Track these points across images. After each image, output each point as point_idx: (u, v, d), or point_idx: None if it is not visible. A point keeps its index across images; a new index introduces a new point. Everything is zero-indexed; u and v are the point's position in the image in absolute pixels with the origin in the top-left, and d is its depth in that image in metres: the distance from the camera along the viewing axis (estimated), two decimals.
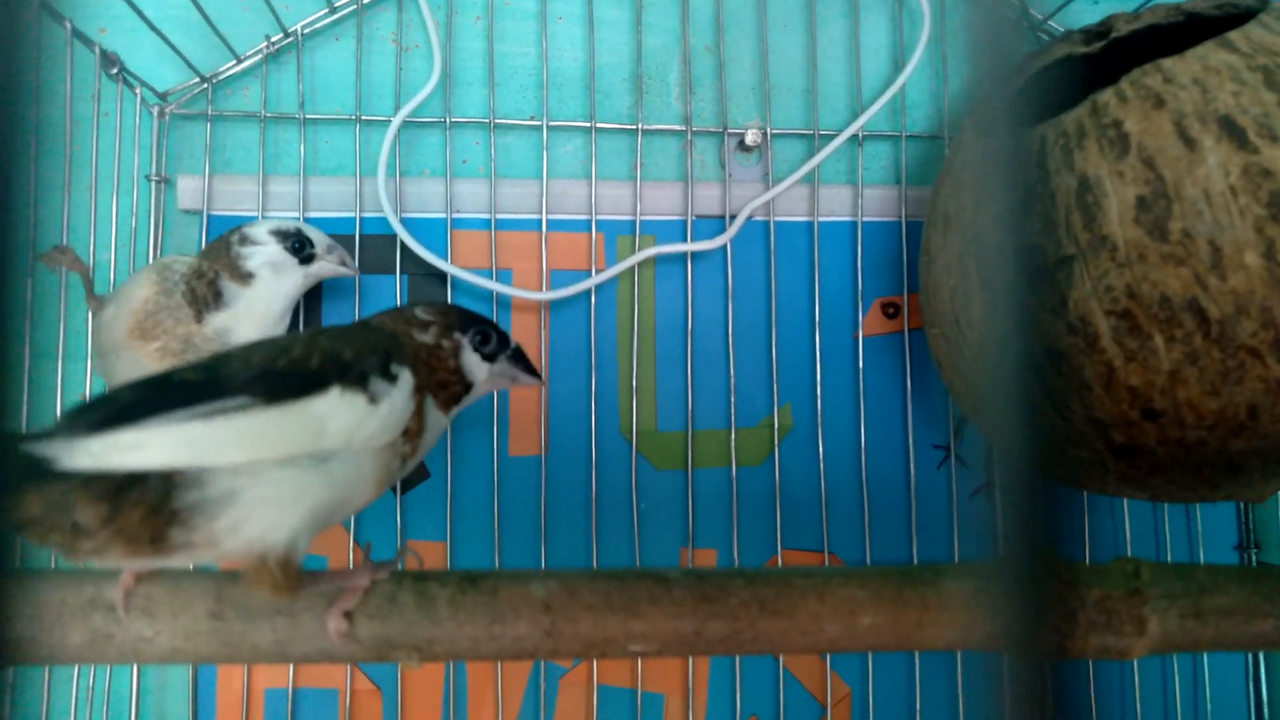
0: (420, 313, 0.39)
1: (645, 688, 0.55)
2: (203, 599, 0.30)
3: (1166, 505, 0.60)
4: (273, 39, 0.57)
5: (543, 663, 0.54)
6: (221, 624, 0.30)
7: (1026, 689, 0.17)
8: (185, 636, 0.30)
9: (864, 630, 0.31)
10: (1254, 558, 0.59)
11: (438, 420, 0.37)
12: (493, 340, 0.40)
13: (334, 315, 0.56)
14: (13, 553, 0.27)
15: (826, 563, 0.56)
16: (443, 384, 0.37)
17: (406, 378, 0.35)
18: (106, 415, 0.28)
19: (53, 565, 0.52)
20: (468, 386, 0.39)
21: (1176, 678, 0.58)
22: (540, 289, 0.57)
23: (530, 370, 0.41)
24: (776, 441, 0.58)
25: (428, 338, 0.38)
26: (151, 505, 0.28)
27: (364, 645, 0.31)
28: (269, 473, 0.29)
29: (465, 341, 0.39)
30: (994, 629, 0.17)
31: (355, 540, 0.54)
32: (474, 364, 0.39)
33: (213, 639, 0.30)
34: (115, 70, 0.53)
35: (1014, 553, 0.17)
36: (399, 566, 0.34)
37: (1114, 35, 0.52)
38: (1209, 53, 0.40)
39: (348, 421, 0.31)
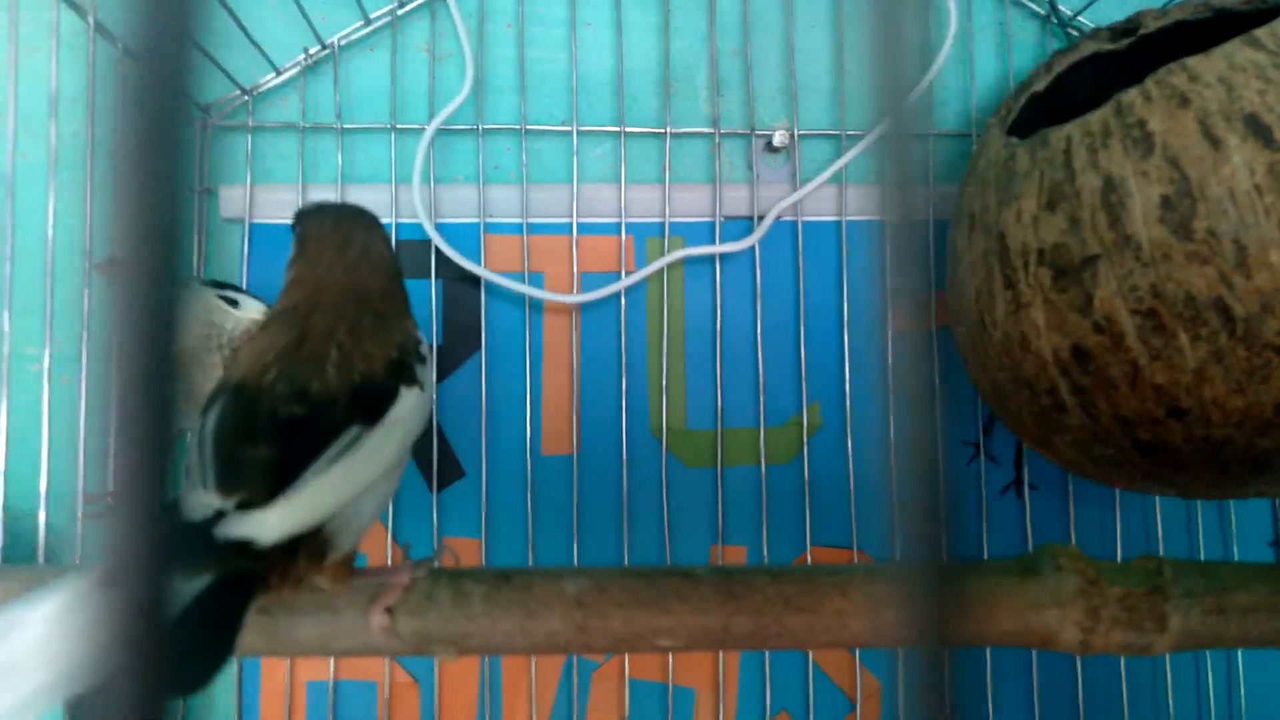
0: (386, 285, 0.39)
1: (676, 682, 0.56)
2: None
3: (1199, 502, 0.60)
4: (310, 51, 0.58)
5: (575, 657, 0.56)
6: (268, 619, 0.31)
7: (928, 679, 0.18)
8: None
9: (889, 626, 0.32)
10: None
11: None
12: None
13: None
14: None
15: (855, 559, 0.57)
16: None
17: (426, 347, 0.37)
18: (267, 481, 0.28)
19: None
20: None
21: (1210, 673, 0.58)
22: (571, 291, 0.58)
23: None
24: (806, 439, 0.58)
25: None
26: (317, 547, 0.30)
27: (403, 640, 0.32)
28: (375, 487, 0.31)
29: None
30: (899, 623, 0.18)
31: (394, 538, 0.56)
32: None
33: (257, 632, 0.31)
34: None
35: (915, 551, 0.18)
36: (436, 564, 0.36)
37: (1142, 32, 0.52)
38: (1235, 50, 0.40)
39: (417, 418, 0.33)
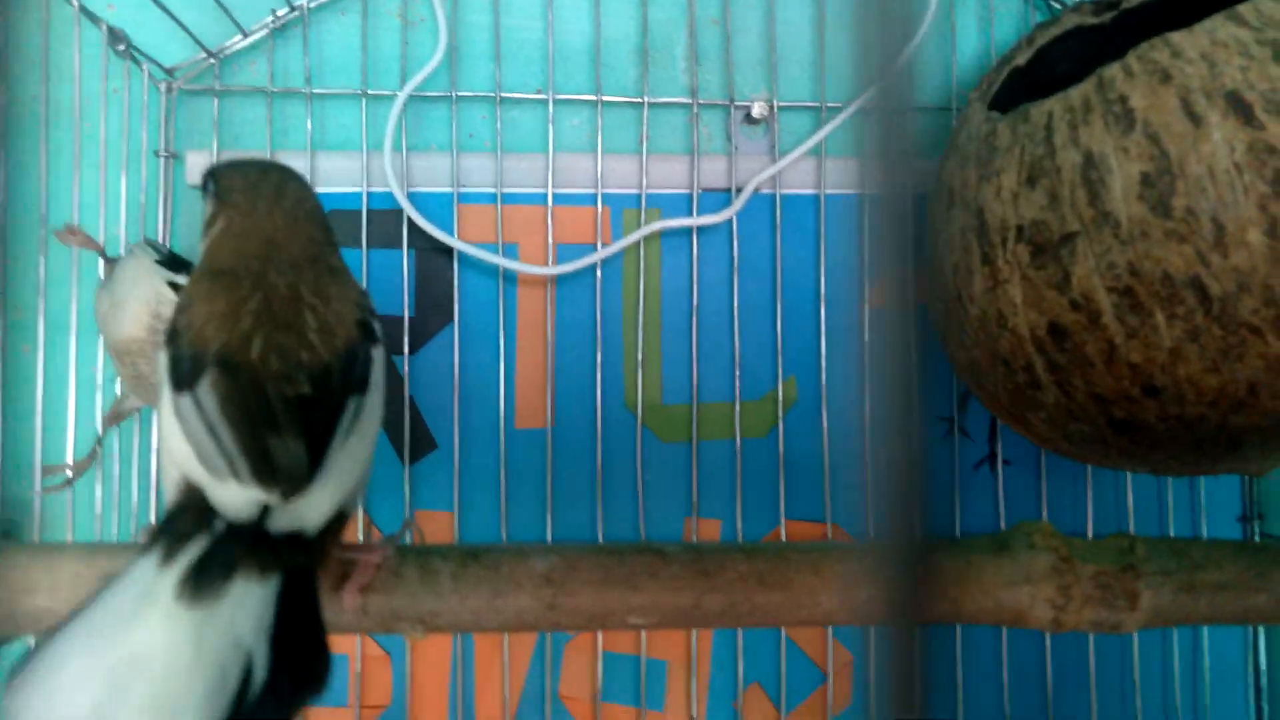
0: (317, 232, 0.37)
1: (649, 655, 0.56)
2: None
3: (1170, 477, 0.60)
4: (279, 14, 0.57)
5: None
6: None
7: (898, 655, 0.18)
8: None
9: (861, 604, 0.32)
10: (1257, 529, 0.59)
11: None
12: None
13: None
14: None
15: (829, 534, 0.57)
16: None
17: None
18: (303, 468, 0.28)
19: (69, 539, 0.53)
20: None
21: (1176, 649, 0.59)
22: (546, 263, 0.57)
23: None
24: (781, 414, 0.58)
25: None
26: (337, 526, 0.29)
27: (370, 617, 0.31)
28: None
29: None
30: (874, 600, 0.18)
31: (365, 511, 0.55)
32: None
33: None
34: (123, 47, 0.53)
35: (889, 527, 0.18)
36: (407, 538, 0.35)
37: (1124, 6, 0.51)
38: (1217, 26, 0.40)
39: (386, 377, 0.33)
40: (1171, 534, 0.59)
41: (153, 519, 0.54)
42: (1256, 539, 0.59)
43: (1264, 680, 0.59)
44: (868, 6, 0.18)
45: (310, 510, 0.28)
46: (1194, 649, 0.59)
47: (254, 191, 0.35)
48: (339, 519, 0.29)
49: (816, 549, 0.32)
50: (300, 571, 0.27)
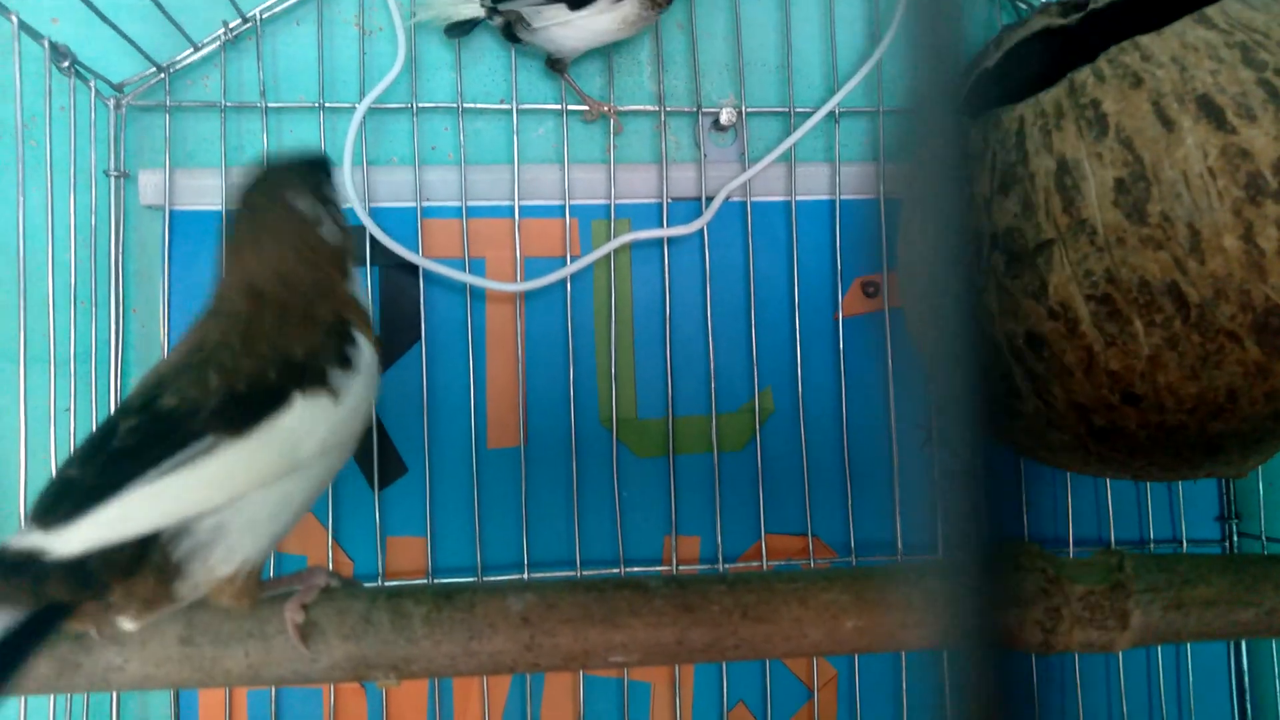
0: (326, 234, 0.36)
1: (632, 676, 0.55)
2: (172, 625, 0.30)
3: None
4: (230, 25, 0.55)
5: None
6: (193, 649, 0.29)
7: (978, 684, 0.16)
8: (156, 663, 0.29)
9: (847, 634, 0.31)
10: (1235, 528, 0.59)
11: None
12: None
13: None
14: None
15: (810, 546, 0.56)
16: None
17: (365, 347, 0.34)
18: (81, 497, 0.27)
19: None
20: None
21: (1160, 666, 0.58)
22: (515, 277, 0.56)
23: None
24: (758, 426, 0.57)
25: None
26: (158, 566, 0.28)
27: (340, 666, 0.30)
28: (251, 498, 0.29)
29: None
30: (942, 623, 0.16)
31: (334, 538, 0.54)
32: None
33: (184, 665, 0.29)
34: (67, 64, 0.51)
35: (962, 543, 0.17)
36: (331, 583, 0.33)
37: (1092, 7, 0.51)
38: (1187, 29, 0.40)
39: (318, 428, 0.31)
40: (1152, 535, 0.59)
41: None
42: (1235, 539, 0.59)
43: (1248, 688, 0.59)
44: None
45: (65, 536, 0.27)
46: (1178, 659, 0.59)
47: (237, 220, 0.35)
48: (158, 558, 0.28)
49: (803, 578, 0.31)
50: (40, 613, 0.26)
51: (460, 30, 0.55)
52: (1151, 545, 0.59)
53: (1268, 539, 0.57)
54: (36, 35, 0.50)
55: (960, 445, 0.16)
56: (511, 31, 0.53)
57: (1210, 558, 0.34)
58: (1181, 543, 0.59)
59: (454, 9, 0.53)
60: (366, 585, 0.33)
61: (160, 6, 0.50)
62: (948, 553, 0.16)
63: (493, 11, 0.53)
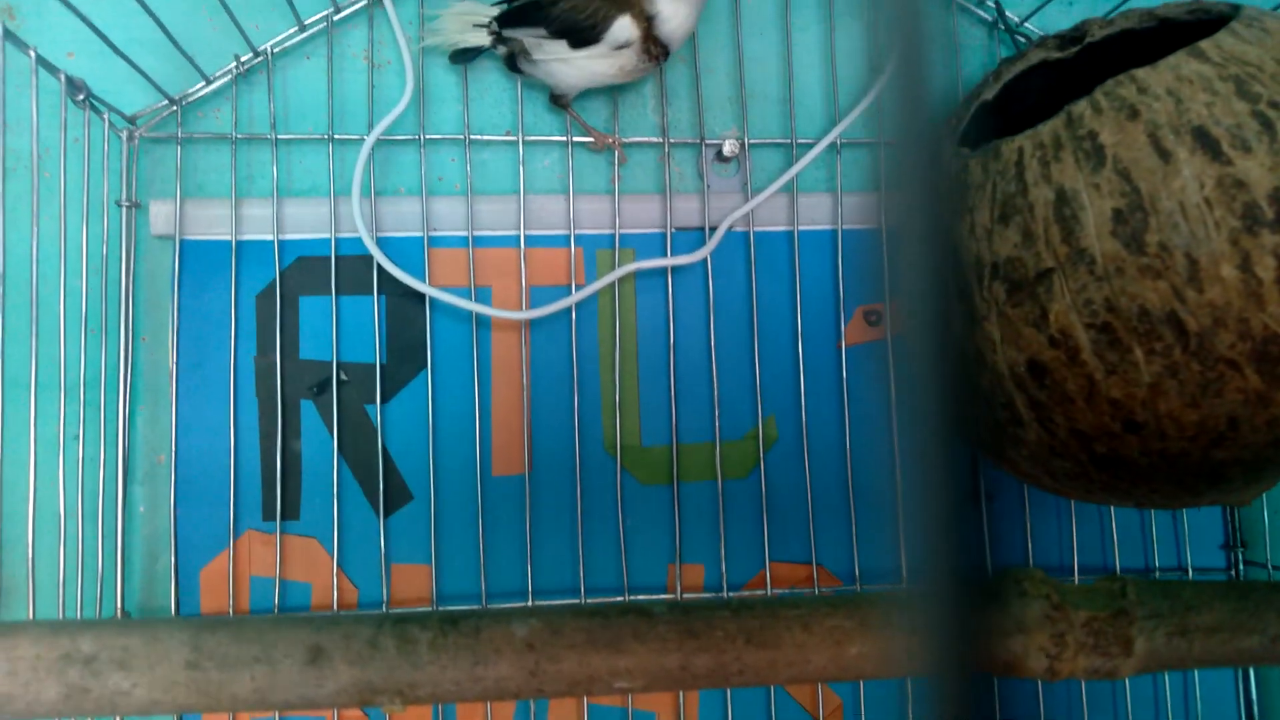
0: None
1: (636, 706, 0.55)
2: (179, 650, 0.30)
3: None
4: (242, 59, 0.56)
5: None
6: (199, 674, 0.30)
7: (955, 710, 0.16)
8: (163, 688, 0.29)
9: (851, 659, 0.31)
10: (1240, 556, 0.59)
11: None
12: None
13: (311, 337, 0.56)
14: None
15: (815, 575, 0.56)
16: None
17: None
18: None
19: (30, 616, 0.51)
20: None
21: (1168, 696, 0.58)
22: (520, 305, 0.57)
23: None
24: (762, 453, 0.57)
25: None
26: None
27: (346, 691, 0.30)
28: None
29: None
30: (919, 650, 0.16)
31: (339, 565, 0.54)
32: None
33: (191, 690, 0.30)
34: (82, 97, 0.52)
35: (934, 571, 0.17)
36: None
37: (1089, 40, 0.52)
38: (1181, 62, 0.40)
39: None
40: (1156, 563, 0.59)
41: (119, 594, 0.52)
42: (1240, 567, 0.59)
43: (1256, 713, 0.58)
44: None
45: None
46: (1185, 691, 0.58)
47: None
48: None
49: (806, 603, 0.32)
50: None
51: (465, 57, 0.56)
52: (1157, 573, 0.59)
53: (1274, 567, 0.57)
54: (53, 69, 0.51)
55: (930, 479, 0.16)
56: (514, 63, 0.54)
57: (1214, 584, 0.34)
58: (1187, 571, 0.59)
59: (460, 36, 0.54)
60: (372, 612, 0.33)
61: (174, 40, 0.51)
62: (913, 581, 0.16)
63: (498, 41, 0.54)
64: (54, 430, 0.53)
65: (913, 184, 0.16)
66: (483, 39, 0.54)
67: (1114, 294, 0.39)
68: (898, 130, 0.16)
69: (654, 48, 0.52)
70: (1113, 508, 0.59)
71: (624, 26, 0.51)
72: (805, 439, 0.57)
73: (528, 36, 0.52)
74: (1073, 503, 0.58)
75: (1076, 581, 0.56)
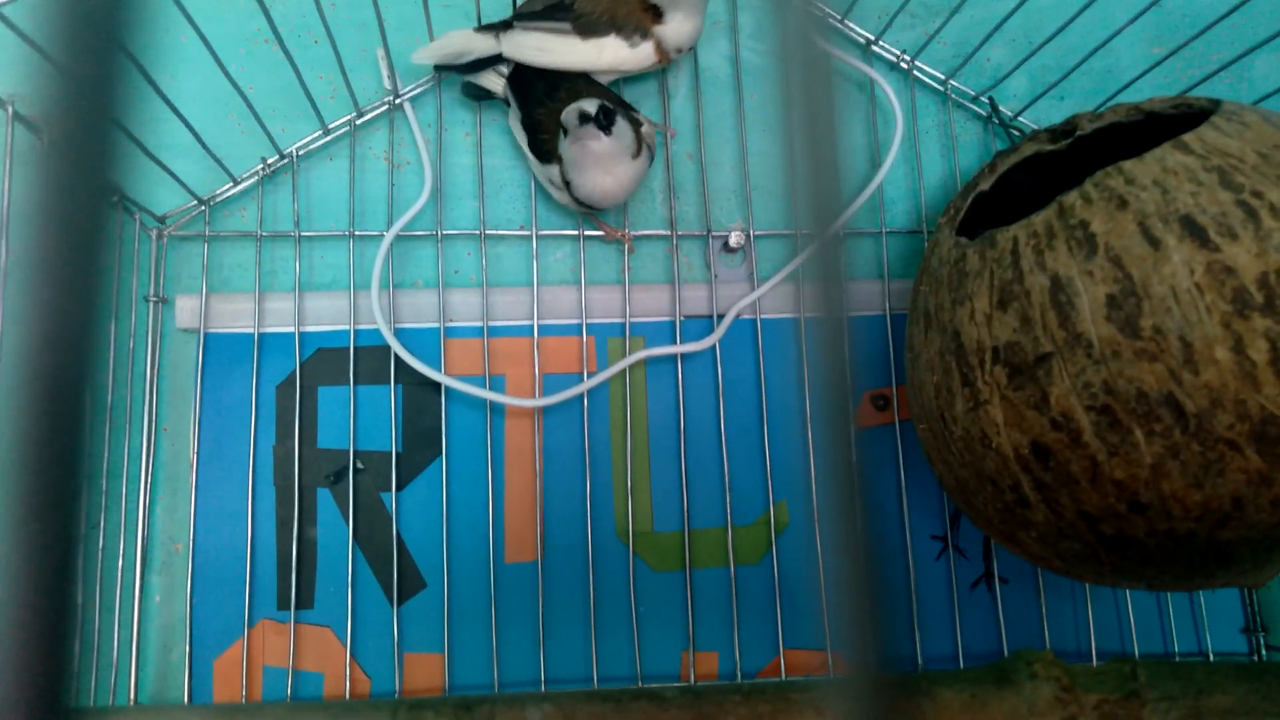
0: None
1: None
2: None
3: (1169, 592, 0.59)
4: (269, 161, 0.59)
5: None
6: None
7: None
8: None
9: None
10: (1262, 640, 0.58)
11: None
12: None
13: (329, 425, 0.57)
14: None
15: (829, 661, 0.56)
16: None
17: None
18: None
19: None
20: None
21: None
22: (534, 393, 0.58)
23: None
24: (774, 539, 0.58)
25: None
26: None
27: None
28: None
29: None
30: None
31: (352, 655, 0.54)
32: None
33: None
34: (115, 199, 0.55)
35: (856, 666, 0.17)
36: None
37: (1079, 133, 0.54)
38: (1166, 155, 0.42)
39: None
40: (1175, 649, 0.58)
41: (133, 683, 0.52)
42: (1262, 652, 0.58)
43: None
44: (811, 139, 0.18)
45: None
46: None
47: None
48: None
49: (818, 685, 0.32)
50: None
51: (476, 91, 0.59)
52: (1176, 659, 0.58)
53: None
54: None
55: (858, 550, 0.16)
56: (539, 146, 0.56)
57: (1227, 665, 0.34)
58: (1208, 656, 0.58)
59: (466, 44, 0.57)
60: (387, 699, 0.33)
61: (204, 144, 0.53)
62: (847, 666, 0.16)
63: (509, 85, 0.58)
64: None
65: (821, 271, 0.16)
66: (495, 85, 0.58)
67: (1112, 377, 0.40)
68: (809, 215, 0.17)
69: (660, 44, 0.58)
70: (1129, 594, 0.58)
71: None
72: (817, 523, 0.58)
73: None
74: (1087, 587, 0.58)
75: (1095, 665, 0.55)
